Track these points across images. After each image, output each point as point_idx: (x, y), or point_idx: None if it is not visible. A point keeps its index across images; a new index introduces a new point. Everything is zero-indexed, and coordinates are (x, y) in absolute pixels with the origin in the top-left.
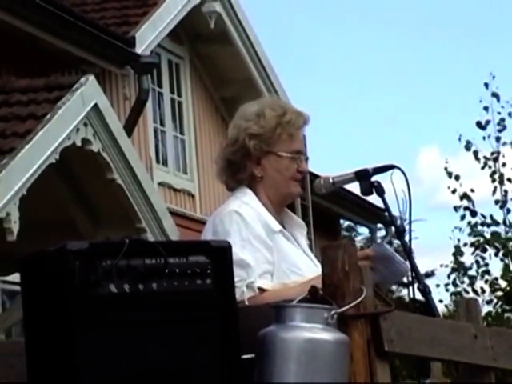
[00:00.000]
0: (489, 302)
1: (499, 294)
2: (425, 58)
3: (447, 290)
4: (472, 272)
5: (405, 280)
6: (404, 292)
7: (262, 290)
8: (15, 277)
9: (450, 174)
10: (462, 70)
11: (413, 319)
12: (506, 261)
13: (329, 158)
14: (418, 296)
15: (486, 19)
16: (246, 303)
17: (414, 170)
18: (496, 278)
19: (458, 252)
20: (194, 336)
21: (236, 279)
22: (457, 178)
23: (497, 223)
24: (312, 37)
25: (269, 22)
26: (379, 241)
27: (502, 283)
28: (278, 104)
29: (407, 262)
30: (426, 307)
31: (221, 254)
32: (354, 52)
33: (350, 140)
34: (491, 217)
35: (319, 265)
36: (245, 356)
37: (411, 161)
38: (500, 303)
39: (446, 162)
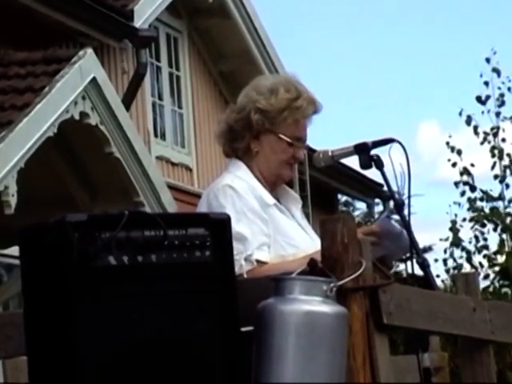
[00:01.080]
0: (486, 277)
1: (497, 268)
2: (426, 32)
3: (445, 265)
4: (471, 247)
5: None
6: (402, 266)
7: (260, 262)
8: (13, 250)
9: (452, 149)
10: (463, 44)
11: (412, 292)
12: (504, 236)
13: (328, 132)
14: (417, 271)
15: None
16: (245, 276)
17: (413, 145)
18: (495, 253)
19: (454, 227)
20: (193, 308)
21: (234, 252)
22: (459, 152)
23: (492, 198)
24: (312, 11)
25: None
26: (378, 216)
27: (500, 258)
28: (294, 86)
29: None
30: (425, 281)
31: (220, 226)
32: (354, 27)
33: (350, 115)
34: (486, 192)
35: (315, 238)
36: (244, 328)
37: (411, 136)
38: (497, 278)
39: (450, 137)
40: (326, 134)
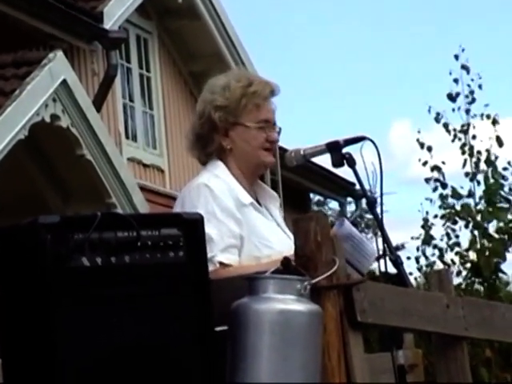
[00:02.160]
0: (458, 274)
1: (468, 265)
2: (398, 31)
3: (418, 262)
4: (443, 244)
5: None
6: (375, 265)
7: (223, 264)
8: None
9: (422, 145)
10: (433, 42)
11: (385, 290)
12: (475, 233)
13: (301, 131)
14: (390, 268)
15: None
16: None
17: (386, 144)
18: (466, 250)
19: (426, 224)
20: (167, 308)
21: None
22: (429, 149)
23: (460, 196)
24: (285, 6)
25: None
26: (350, 215)
27: (472, 255)
28: (244, 75)
29: (379, 234)
30: (398, 278)
31: (193, 226)
32: (324, 26)
33: (322, 114)
34: (454, 189)
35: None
36: (218, 328)
37: (383, 134)
38: (469, 275)
39: (419, 132)
40: (298, 134)
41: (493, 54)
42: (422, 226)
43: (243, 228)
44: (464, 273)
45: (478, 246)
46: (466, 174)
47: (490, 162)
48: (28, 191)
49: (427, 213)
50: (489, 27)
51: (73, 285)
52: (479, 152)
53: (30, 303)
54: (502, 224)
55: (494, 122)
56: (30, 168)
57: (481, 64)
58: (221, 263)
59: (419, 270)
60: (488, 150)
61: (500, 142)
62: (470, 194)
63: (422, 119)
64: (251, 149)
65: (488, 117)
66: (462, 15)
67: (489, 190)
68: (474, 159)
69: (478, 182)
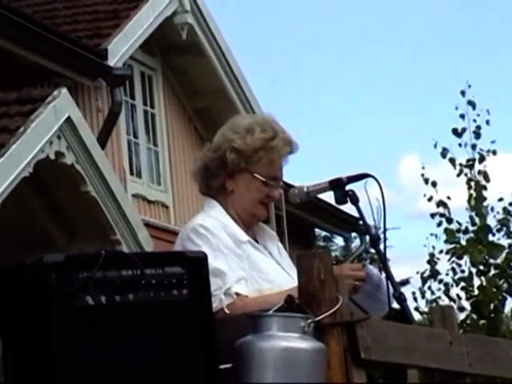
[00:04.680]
0: (461, 310)
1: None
2: (407, 65)
3: (423, 297)
4: (448, 279)
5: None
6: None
7: (239, 295)
8: None
9: (426, 181)
10: (440, 77)
11: (389, 327)
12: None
13: (310, 167)
14: (393, 304)
15: (462, 29)
16: (226, 311)
17: (395, 178)
18: (472, 285)
19: (432, 259)
20: (172, 346)
21: (213, 288)
22: (433, 184)
23: (453, 236)
24: (289, 46)
25: (243, 32)
26: (355, 250)
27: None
28: (270, 125)
29: (383, 275)
30: (402, 314)
31: (197, 264)
32: (330, 63)
33: (331, 150)
34: (447, 229)
35: (293, 274)
36: (222, 366)
37: (393, 168)
38: (471, 311)
39: (423, 168)
40: (307, 170)
41: (499, 91)
42: (428, 261)
43: (244, 262)
44: (468, 308)
45: (479, 282)
46: (471, 209)
47: (480, 198)
48: (33, 228)
49: (433, 247)
50: (496, 63)
51: (77, 323)
52: (485, 187)
53: (34, 342)
54: (498, 261)
55: (482, 159)
56: (35, 205)
57: (487, 100)
58: (237, 294)
59: (427, 302)
60: (485, 186)
61: (487, 178)
62: (467, 231)
63: (430, 153)
64: (251, 199)
65: (494, 153)
66: (469, 51)
67: (478, 227)
68: (474, 194)
69: (484, 218)
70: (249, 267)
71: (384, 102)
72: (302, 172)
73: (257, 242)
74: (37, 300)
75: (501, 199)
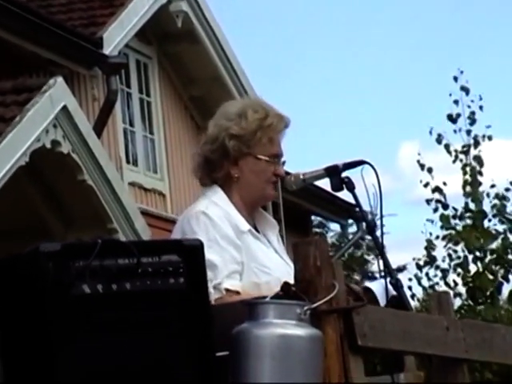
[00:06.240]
0: (457, 295)
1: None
2: (410, 52)
3: (420, 284)
4: (445, 265)
5: (376, 275)
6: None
7: (229, 291)
8: None
9: (422, 167)
10: (433, 66)
11: (385, 313)
12: (477, 254)
13: (308, 154)
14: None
15: (454, 19)
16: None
17: (394, 164)
18: (468, 271)
19: (429, 246)
20: (169, 334)
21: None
22: (429, 170)
23: (448, 221)
24: (288, 31)
25: (238, 19)
26: (352, 236)
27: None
28: (260, 105)
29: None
30: (399, 301)
31: (193, 252)
32: (331, 50)
33: (333, 136)
34: (442, 215)
35: (290, 263)
36: (219, 354)
37: (392, 155)
38: (467, 297)
39: (419, 155)
40: (305, 156)
41: (492, 76)
42: (425, 248)
43: (243, 254)
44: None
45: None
46: (466, 195)
47: (476, 183)
48: (29, 217)
49: (431, 234)
50: (489, 52)
51: (74, 312)
52: (480, 173)
53: (31, 331)
54: (493, 246)
55: (477, 144)
56: (32, 194)
57: (481, 86)
58: (227, 290)
59: (424, 289)
60: (480, 172)
61: (480, 162)
62: (462, 217)
63: (428, 140)
64: (258, 181)
65: (490, 138)
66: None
67: (475, 213)
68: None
69: (480, 203)
70: (247, 258)
71: (386, 89)
72: (300, 159)
73: (257, 230)
74: (34, 289)
75: (493, 186)
